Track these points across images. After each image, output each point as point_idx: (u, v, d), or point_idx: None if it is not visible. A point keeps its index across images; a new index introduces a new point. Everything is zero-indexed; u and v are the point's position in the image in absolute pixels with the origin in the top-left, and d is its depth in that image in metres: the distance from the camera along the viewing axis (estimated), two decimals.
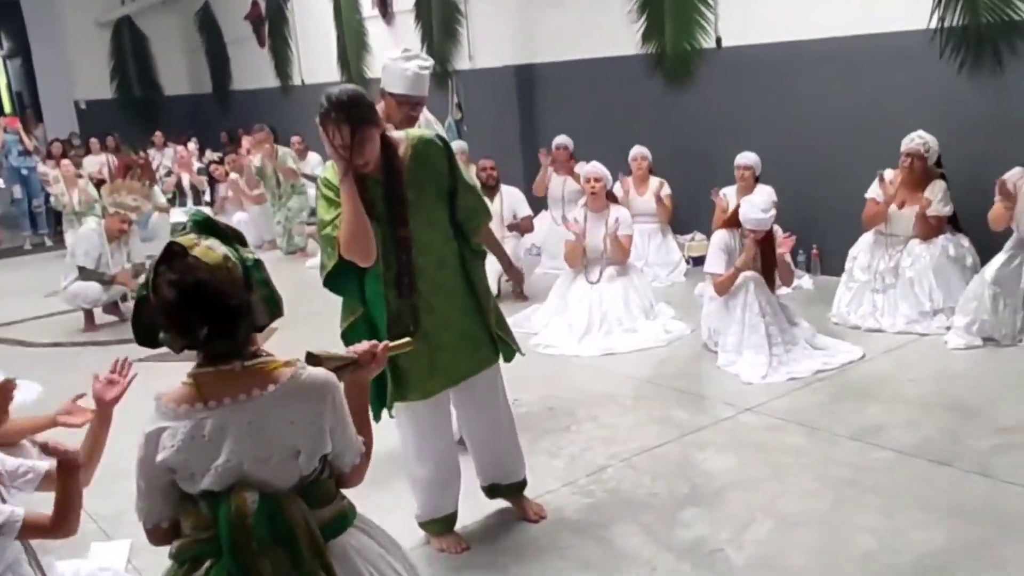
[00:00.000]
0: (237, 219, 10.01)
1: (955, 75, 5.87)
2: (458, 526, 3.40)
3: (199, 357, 1.89)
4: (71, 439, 2.80)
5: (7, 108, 18.31)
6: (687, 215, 7.55)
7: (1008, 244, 5.06)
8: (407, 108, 3.84)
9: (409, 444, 3.28)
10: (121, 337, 6.76)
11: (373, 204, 2.96)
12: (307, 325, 4.31)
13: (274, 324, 2.01)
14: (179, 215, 11.52)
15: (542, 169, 8.10)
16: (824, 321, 5.63)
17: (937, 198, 5.46)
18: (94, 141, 12.74)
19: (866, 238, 5.77)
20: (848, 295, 5.72)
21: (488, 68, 9.44)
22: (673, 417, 4.44)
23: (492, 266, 3.69)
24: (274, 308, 1.93)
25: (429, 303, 3.08)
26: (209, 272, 1.80)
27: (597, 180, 5.87)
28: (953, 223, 5.57)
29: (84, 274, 6.87)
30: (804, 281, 6.51)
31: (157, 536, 1.88)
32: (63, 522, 2.34)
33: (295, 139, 10.91)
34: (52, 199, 10.51)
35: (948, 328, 5.21)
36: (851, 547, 3.15)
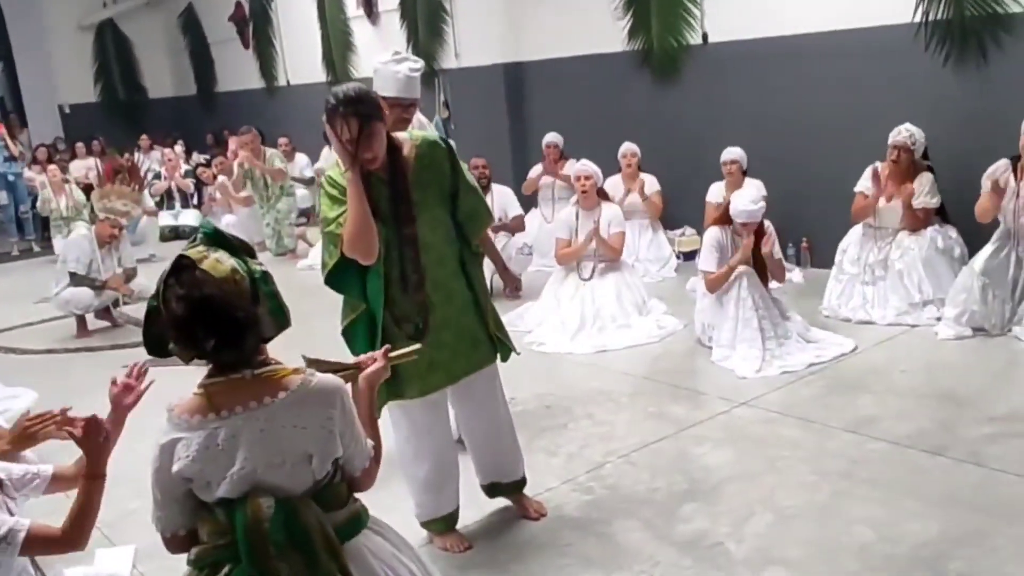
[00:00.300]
0: (226, 221, 9.99)
1: (940, 68, 5.93)
2: (459, 525, 3.43)
3: (209, 367, 1.91)
4: (66, 452, 2.82)
5: None
6: (676, 210, 7.60)
7: (995, 235, 5.12)
8: (399, 110, 3.86)
9: (407, 444, 3.31)
10: (114, 342, 6.77)
11: (377, 203, 3.00)
12: (299, 326, 4.28)
13: None
14: (167, 218, 11.52)
15: (539, 169, 8.12)
16: (815, 314, 5.68)
17: (924, 190, 5.52)
18: (80, 145, 12.70)
19: (855, 231, 5.83)
20: (838, 288, 5.77)
21: (475, 67, 9.45)
22: (669, 412, 4.48)
23: (485, 265, 3.71)
24: (282, 320, 1.96)
25: (431, 301, 3.12)
26: (216, 286, 1.82)
27: (588, 178, 5.90)
28: (941, 215, 5.64)
29: (76, 280, 6.86)
30: (794, 274, 6.56)
31: (175, 544, 1.91)
32: (78, 534, 2.31)
33: (282, 140, 10.91)
34: (39, 204, 10.47)
35: (938, 319, 5.27)
36: (848, 538, 3.19)
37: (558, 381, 5.07)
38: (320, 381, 1.93)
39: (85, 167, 11.91)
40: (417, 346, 2.46)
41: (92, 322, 7.18)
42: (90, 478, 2.32)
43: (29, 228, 11.80)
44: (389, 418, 3.24)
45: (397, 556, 1.98)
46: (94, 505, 2.34)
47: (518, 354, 3.48)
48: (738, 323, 5.00)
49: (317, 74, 12.16)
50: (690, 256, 7.36)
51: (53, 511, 2.53)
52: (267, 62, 13.42)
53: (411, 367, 3.07)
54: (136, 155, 12.95)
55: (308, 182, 11.12)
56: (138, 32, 15.90)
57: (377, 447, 2.04)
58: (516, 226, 7.27)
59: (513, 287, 4.19)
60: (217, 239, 1.94)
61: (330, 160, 9.97)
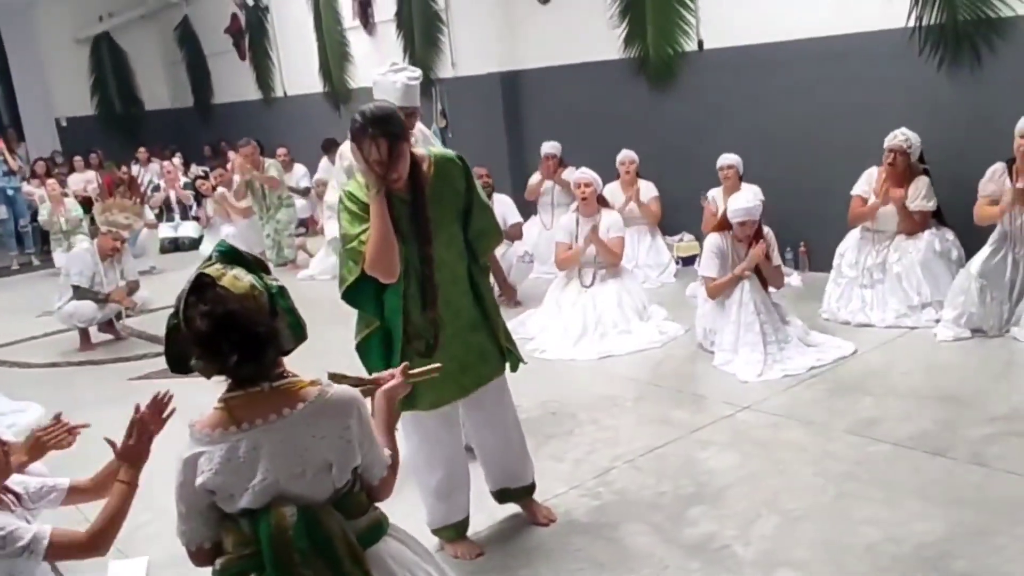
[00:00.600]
0: (226, 232, 10.00)
1: (934, 72, 5.99)
2: (470, 532, 3.47)
3: (228, 382, 1.95)
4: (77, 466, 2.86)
5: None
6: (674, 216, 7.64)
7: (992, 237, 5.18)
8: None
9: (419, 453, 3.35)
10: (117, 355, 6.80)
11: (398, 221, 3.02)
12: None
13: None
14: (166, 231, 11.56)
15: (539, 176, 8.17)
16: (815, 317, 5.73)
17: (921, 194, 5.57)
18: (78, 159, 12.73)
19: (853, 235, 5.88)
20: (837, 291, 5.82)
21: (471, 76, 9.51)
22: (673, 417, 4.52)
23: None
24: (299, 333, 2.01)
25: (442, 318, 3.15)
26: (238, 302, 1.87)
27: (587, 185, 5.95)
28: (938, 218, 5.69)
29: (79, 293, 6.89)
30: (792, 279, 6.60)
31: (201, 557, 1.95)
32: (102, 540, 2.40)
33: (281, 151, 10.96)
34: (40, 218, 10.50)
35: (937, 321, 5.31)
36: (854, 539, 3.23)
37: (562, 387, 5.10)
38: (336, 392, 1.97)
39: (83, 180, 11.95)
40: (436, 365, 2.51)
41: (95, 335, 7.20)
42: (127, 486, 2.41)
43: (28, 242, 11.83)
44: (401, 428, 3.26)
45: (418, 562, 2.02)
46: (124, 513, 2.42)
47: (525, 363, 3.53)
48: (740, 327, 5.04)
49: (314, 85, 12.21)
50: (689, 261, 7.41)
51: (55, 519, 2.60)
52: (264, 73, 13.47)
53: (424, 381, 3.11)
54: (135, 168, 13.03)
55: (304, 192, 11.16)
56: (134, 45, 15.95)
57: (394, 458, 2.08)
58: (514, 234, 7.31)
59: (512, 299, 4.28)
60: (233, 256, 1.98)
61: (329, 171, 10.04)
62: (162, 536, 3.62)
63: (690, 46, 7.52)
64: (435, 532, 3.42)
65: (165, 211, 11.71)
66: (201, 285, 1.89)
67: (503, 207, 7.32)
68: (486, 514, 3.60)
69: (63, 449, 3.01)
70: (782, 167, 6.84)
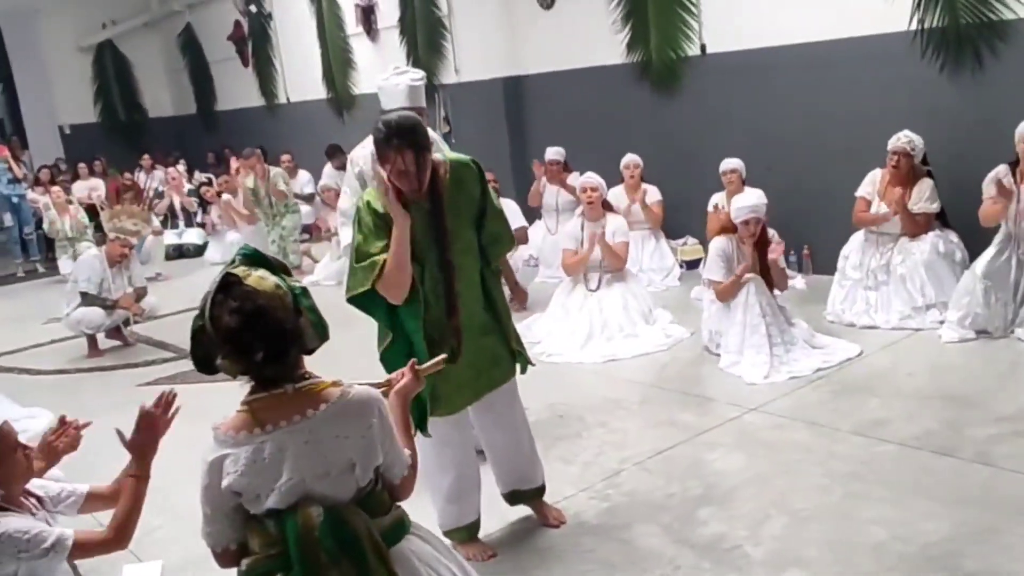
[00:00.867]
0: (231, 239, 10.09)
1: (937, 75, 6.03)
2: (481, 534, 3.50)
3: (251, 385, 1.98)
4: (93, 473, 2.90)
5: None
6: (678, 219, 7.67)
7: (997, 238, 5.21)
8: None
9: (429, 455, 3.37)
10: (125, 362, 6.83)
11: (415, 229, 3.01)
12: None
13: None
14: (171, 237, 11.60)
15: (536, 180, 8.22)
16: (820, 319, 5.76)
17: (924, 196, 5.61)
18: (82, 166, 12.78)
19: (857, 237, 5.92)
20: (842, 293, 5.86)
21: (474, 81, 9.55)
22: (680, 419, 4.55)
23: None
24: (322, 332, 2.04)
25: (462, 324, 3.17)
26: (265, 299, 1.90)
27: (593, 190, 5.99)
28: (941, 220, 5.72)
29: (87, 300, 6.92)
30: (797, 281, 6.64)
31: (227, 559, 1.98)
32: (122, 534, 2.47)
33: (285, 157, 10.99)
34: (46, 226, 10.55)
35: (941, 322, 5.35)
36: (863, 538, 3.26)
37: (569, 391, 5.13)
38: (358, 392, 2.01)
39: (88, 187, 11.99)
40: (443, 356, 2.53)
41: (103, 341, 7.24)
42: (138, 478, 2.46)
43: (33, 249, 11.89)
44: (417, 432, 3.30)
45: (441, 560, 2.05)
46: (139, 504, 2.47)
47: (534, 365, 3.56)
48: (746, 329, 5.07)
49: (318, 91, 12.26)
50: (693, 265, 7.44)
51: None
52: (267, 80, 13.52)
53: (439, 388, 3.13)
54: (139, 175, 13.07)
55: (308, 199, 11.20)
56: (137, 52, 16.02)
57: (414, 457, 2.12)
58: (519, 238, 7.35)
59: (521, 302, 4.30)
60: (256, 259, 2.02)
61: (334, 177, 10.10)
62: (176, 540, 3.67)
63: (693, 50, 7.56)
64: (447, 534, 3.43)
65: (169, 218, 11.75)
66: (228, 284, 1.92)
67: (507, 212, 7.34)
68: (497, 517, 3.64)
69: (72, 451, 3.05)
70: (785, 170, 6.87)
